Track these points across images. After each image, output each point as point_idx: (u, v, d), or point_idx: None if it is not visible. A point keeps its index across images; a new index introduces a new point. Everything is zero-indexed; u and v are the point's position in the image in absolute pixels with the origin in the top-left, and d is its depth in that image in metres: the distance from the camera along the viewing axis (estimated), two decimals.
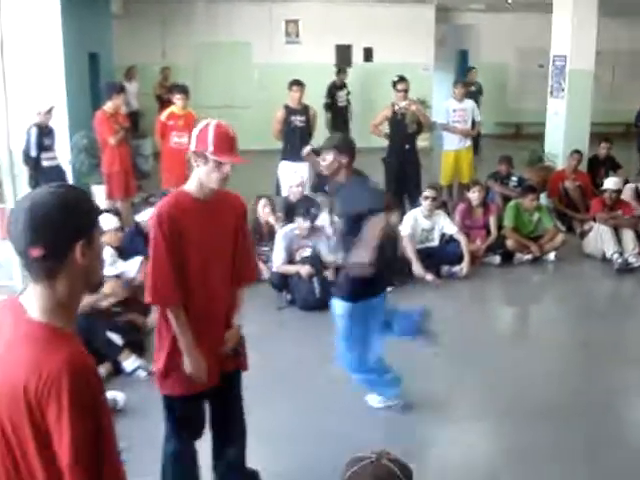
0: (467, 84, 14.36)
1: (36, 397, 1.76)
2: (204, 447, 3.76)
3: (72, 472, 1.78)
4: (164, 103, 9.83)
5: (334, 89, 14.70)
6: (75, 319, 1.97)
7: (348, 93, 14.94)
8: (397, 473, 1.71)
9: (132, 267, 6.63)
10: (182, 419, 3.58)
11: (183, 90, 9.27)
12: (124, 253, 6.77)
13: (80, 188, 2.03)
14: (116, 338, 5.41)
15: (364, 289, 4.48)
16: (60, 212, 1.86)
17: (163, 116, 9.15)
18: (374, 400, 5.02)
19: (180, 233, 3.27)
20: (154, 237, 3.29)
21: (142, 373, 5.37)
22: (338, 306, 4.61)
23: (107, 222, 6.51)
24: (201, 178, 3.32)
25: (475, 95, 12.94)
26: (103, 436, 1.81)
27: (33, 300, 1.89)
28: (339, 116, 14.48)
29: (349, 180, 4.53)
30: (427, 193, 7.89)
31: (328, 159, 4.52)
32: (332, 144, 4.59)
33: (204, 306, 3.42)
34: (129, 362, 5.38)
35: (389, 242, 6.85)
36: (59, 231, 1.86)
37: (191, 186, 3.36)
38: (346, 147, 4.56)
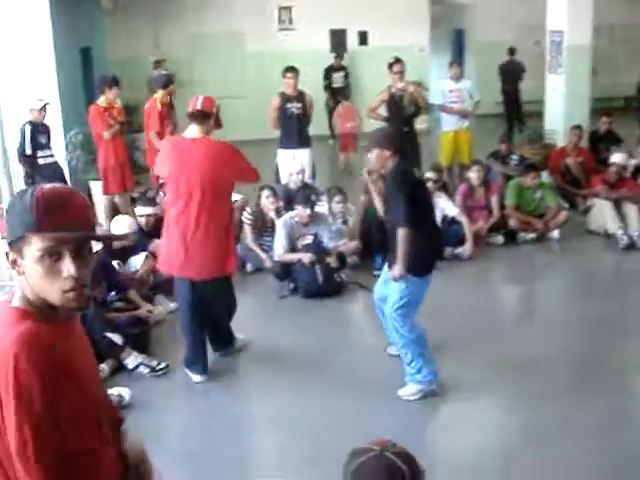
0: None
1: None
2: None
3: (20, 460, 1.72)
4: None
5: (331, 71, 15.37)
6: (49, 311, 1.87)
7: (346, 75, 15.40)
8: (401, 467, 1.64)
9: (138, 262, 6.73)
10: None
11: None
12: (128, 248, 6.81)
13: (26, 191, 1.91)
14: (116, 338, 5.34)
15: (428, 266, 4.80)
16: (10, 209, 1.86)
17: (159, 105, 8.98)
18: (409, 391, 4.86)
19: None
20: None
21: (144, 370, 5.31)
22: (403, 281, 4.70)
23: (121, 225, 6.66)
24: None
25: None
26: (62, 415, 1.75)
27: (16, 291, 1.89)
28: (335, 97, 15.05)
29: (391, 173, 4.79)
30: (429, 175, 7.82)
31: (373, 155, 4.81)
32: (374, 142, 4.84)
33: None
34: (131, 359, 5.33)
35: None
36: (10, 230, 1.85)
37: None
38: (388, 142, 4.79)
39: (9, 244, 1.83)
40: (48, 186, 1.86)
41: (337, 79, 15.36)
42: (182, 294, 5.30)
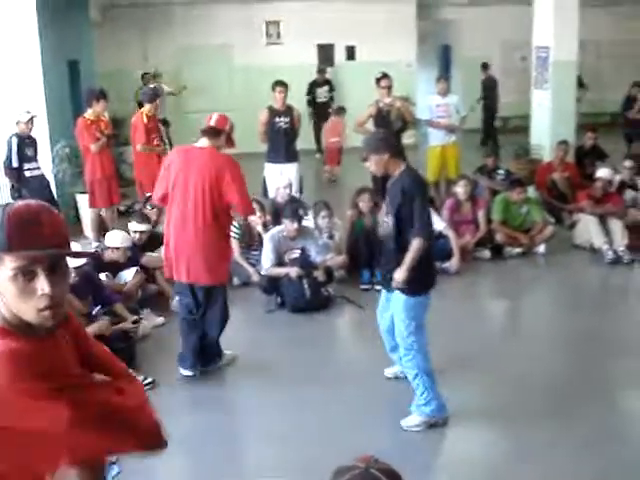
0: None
1: None
2: None
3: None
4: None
5: (314, 86, 15.42)
6: (27, 329, 1.85)
7: (331, 90, 15.44)
8: None
9: (128, 276, 6.75)
10: None
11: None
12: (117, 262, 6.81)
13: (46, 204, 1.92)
14: None
15: (427, 282, 4.62)
16: None
17: (145, 118, 8.96)
18: (413, 421, 4.70)
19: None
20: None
21: None
22: (407, 303, 4.53)
23: (115, 239, 6.64)
24: None
25: None
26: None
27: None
28: (319, 111, 15.17)
29: (401, 175, 4.59)
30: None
31: (371, 162, 4.63)
32: (368, 148, 4.67)
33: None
34: None
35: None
36: None
37: None
38: (382, 145, 4.62)
39: None
40: (20, 203, 1.83)
41: (321, 94, 15.38)
42: (180, 294, 5.60)
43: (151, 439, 1.92)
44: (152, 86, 10.02)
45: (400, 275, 4.47)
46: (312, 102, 15.29)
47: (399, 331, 4.61)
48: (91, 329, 5.27)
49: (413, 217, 4.46)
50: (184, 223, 5.19)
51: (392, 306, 4.70)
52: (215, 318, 5.49)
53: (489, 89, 15.55)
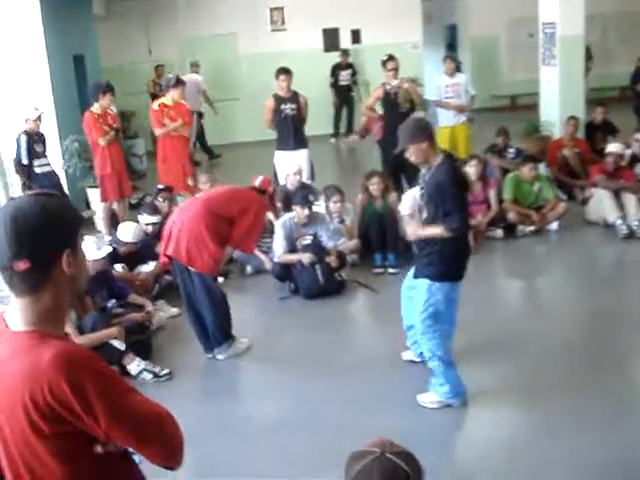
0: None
1: (48, 407, 1.72)
2: None
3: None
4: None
5: (337, 69, 15.55)
6: (63, 326, 1.92)
7: (354, 74, 15.57)
8: (403, 467, 1.63)
9: (148, 269, 6.91)
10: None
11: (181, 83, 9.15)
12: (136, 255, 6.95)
13: (58, 195, 1.95)
14: (117, 343, 5.32)
15: (454, 272, 4.55)
16: (45, 222, 1.79)
17: (155, 105, 8.97)
18: (429, 398, 4.71)
19: None
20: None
21: (147, 375, 5.30)
22: (430, 287, 4.51)
23: (127, 233, 6.78)
24: None
25: None
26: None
27: (17, 313, 1.83)
28: (340, 94, 15.48)
29: (439, 167, 4.47)
30: (424, 171, 7.79)
31: (411, 152, 4.48)
32: (405, 138, 4.50)
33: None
34: (133, 365, 5.31)
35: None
36: (45, 242, 1.79)
37: None
38: (419, 133, 4.46)
39: None
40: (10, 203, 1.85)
41: (344, 77, 15.48)
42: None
43: (175, 454, 1.93)
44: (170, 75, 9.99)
45: (414, 232, 4.55)
46: (335, 85, 15.45)
47: (418, 312, 4.59)
48: (103, 335, 5.31)
49: (447, 209, 4.38)
50: (187, 208, 5.68)
51: (418, 288, 4.66)
52: (206, 307, 5.57)
53: None
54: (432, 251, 4.50)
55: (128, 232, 6.85)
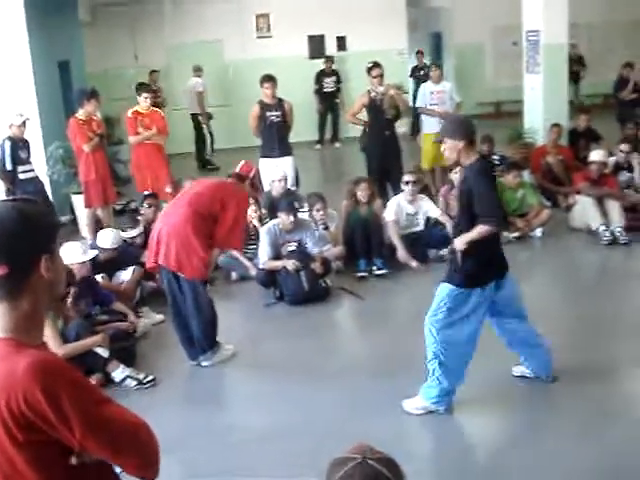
0: (422, 67, 14.45)
1: (22, 415, 1.71)
2: None
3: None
4: (155, 106, 9.75)
5: (321, 76, 15.59)
6: (41, 333, 1.91)
7: (338, 81, 15.56)
8: (384, 473, 1.64)
9: (126, 277, 6.81)
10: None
11: (150, 89, 9.21)
12: (115, 262, 6.85)
13: (35, 200, 1.95)
14: (101, 350, 5.30)
15: (474, 278, 4.45)
16: (23, 227, 1.81)
17: (129, 112, 9.06)
18: (414, 404, 4.68)
19: None
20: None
21: (131, 382, 5.28)
22: (450, 291, 4.46)
23: (106, 240, 6.62)
24: None
25: (425, 78, 12.92)
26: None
27: None
28: (325, 101, 15.54)
29: (471, 167, 4.45)
30: (407, 178, 7.84)
31: (446, 147, 4.48)
32: (445, 131, 4.56)
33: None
34: (117, 372, 5.29)
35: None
36: (23, 247, 1.80)
37: None
38: (459, 130, 4.45)
39: None
40: None
41: (328, 84, 15.53)
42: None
43: (151, 465, 1.93)
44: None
45: (460, 243, 4.42)
46: (319, 92, 15.49)
47: (432, 311, 4.54)
48: (88, 343, 5.29)
49: (481, 208, 4.34)
50: (172, 214, 5.59)
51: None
52: (192, 310, 5.55)
53: None
54: (472, 257, 4.43)
55: (107, 238, 6.80)
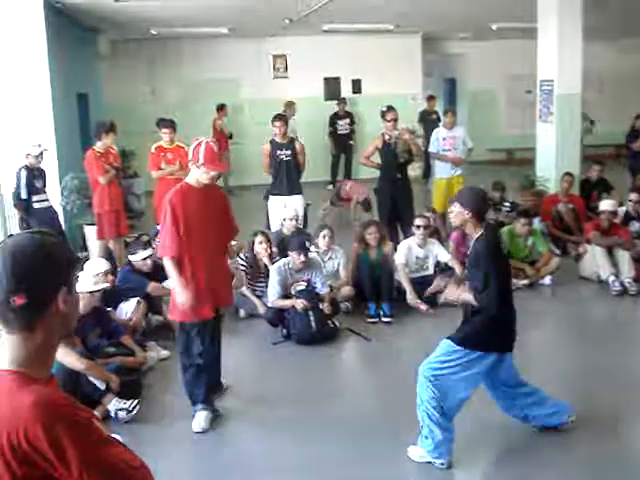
0: (431, 113, 14.50)
1: (22, 451, 1.72)
2: None
3: None
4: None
5: (335, 118, 15.80)
6: (51, 367, 1.93)
7: (352, 123, 15.71)
8: None
9: (129, 308, 6.71)
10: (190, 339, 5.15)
11: (169, 124, 9.31)
12: (118, 292, 6.76)
13: (55, 234, 1.99)
14: (98, 383, 5.30)
15: (477, 340, 4.47)
16: (44, 259, 1.83)
17: (153, 148, 9.18)
18: (418, 452, 4.64)
19: (184, 209, 4.89)
20: (166, 212, 4.87)
21: (122, 414, 5.27)
22: (450, 348, 4.47)
23: (98, 266, 6.50)
24: (197, 177, 4.99)
25: (435, 123, 13.02)
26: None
27: (5, 351, 1.85)
28: (339, 144, 15.70)
29: (477, 239, 4.52)
30: (418, 222, 7.87)
31: (454, 210, 4.60)
32: (457, 196, 4.68)
33: (206, 258, 5.02)
34: (111, 405, 5.29)
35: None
36: (43, 279, 1.83)
37: (191, 180, 5.03)
38: (469, 202, 4.52)
39: None
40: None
41: (342, 126, 15.72)
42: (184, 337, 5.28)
43: None
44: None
45: (452, 294, 4.59)
46: (333, 134, 15.68)
47: (427, 361, 4.54)
48: (106, 374, 5.33)
49: (481, 297, 4.39)
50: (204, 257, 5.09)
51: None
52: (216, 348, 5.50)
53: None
54: (479, 318, 4.47)
55: (96, 265, 6.47)
